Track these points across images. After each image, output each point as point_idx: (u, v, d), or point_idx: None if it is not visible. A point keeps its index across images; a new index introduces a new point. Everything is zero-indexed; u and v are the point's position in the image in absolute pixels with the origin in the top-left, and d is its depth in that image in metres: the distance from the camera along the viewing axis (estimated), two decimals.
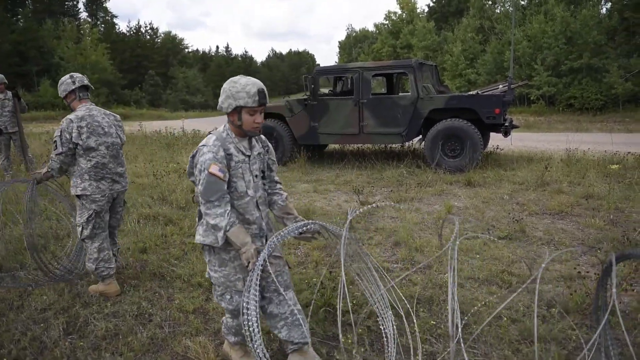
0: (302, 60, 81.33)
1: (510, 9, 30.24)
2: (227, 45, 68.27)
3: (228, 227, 2.46)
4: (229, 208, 2.50)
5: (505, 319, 3.28)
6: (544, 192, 6.77)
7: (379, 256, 4.59)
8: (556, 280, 3.93)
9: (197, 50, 67.56)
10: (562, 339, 3.03)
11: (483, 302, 3.18)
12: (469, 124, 8.23)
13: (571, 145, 9.46)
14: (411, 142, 9.62)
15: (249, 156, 2.67)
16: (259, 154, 2.76)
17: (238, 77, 2.59)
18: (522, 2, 31.13)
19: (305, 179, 8.33)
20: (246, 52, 66.34)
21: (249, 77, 2.60)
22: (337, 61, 52.22)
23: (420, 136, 9.11)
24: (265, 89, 2.55)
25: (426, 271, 4.18)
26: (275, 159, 2.90)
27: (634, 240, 4.63)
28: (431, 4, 44.27)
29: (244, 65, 62.29)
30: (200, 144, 2.60)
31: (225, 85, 2.56)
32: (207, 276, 2.80)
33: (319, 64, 66.70)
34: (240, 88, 2.49)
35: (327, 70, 9.95)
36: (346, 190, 7.35)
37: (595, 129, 17.43)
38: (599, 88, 23.29)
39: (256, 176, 2.71)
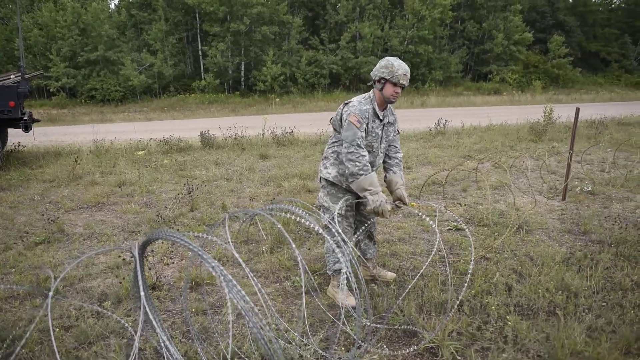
0: None
1: None
2: None
3: None
4: None
5: (58, 329, 3.01)
6: (78, 186, 6.58)
7: None
8: (104, 273, 3.89)
9: None
10: (120, 329, 3.02)
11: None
12: None
13: (98, 136, 9.56)
14: None
15: None
16: None
17: None
18: None
19: None
20: None
21: None
22: None
23: None
24: None
25: None
26: None
27: (167, 217, 5.11)
28: None
29: None
30: None
31: None
32: None
33: None
34: None
35: None
36: None
37: (119, 119, 18.34)
38: (117, 80, 24.48)
39: None
